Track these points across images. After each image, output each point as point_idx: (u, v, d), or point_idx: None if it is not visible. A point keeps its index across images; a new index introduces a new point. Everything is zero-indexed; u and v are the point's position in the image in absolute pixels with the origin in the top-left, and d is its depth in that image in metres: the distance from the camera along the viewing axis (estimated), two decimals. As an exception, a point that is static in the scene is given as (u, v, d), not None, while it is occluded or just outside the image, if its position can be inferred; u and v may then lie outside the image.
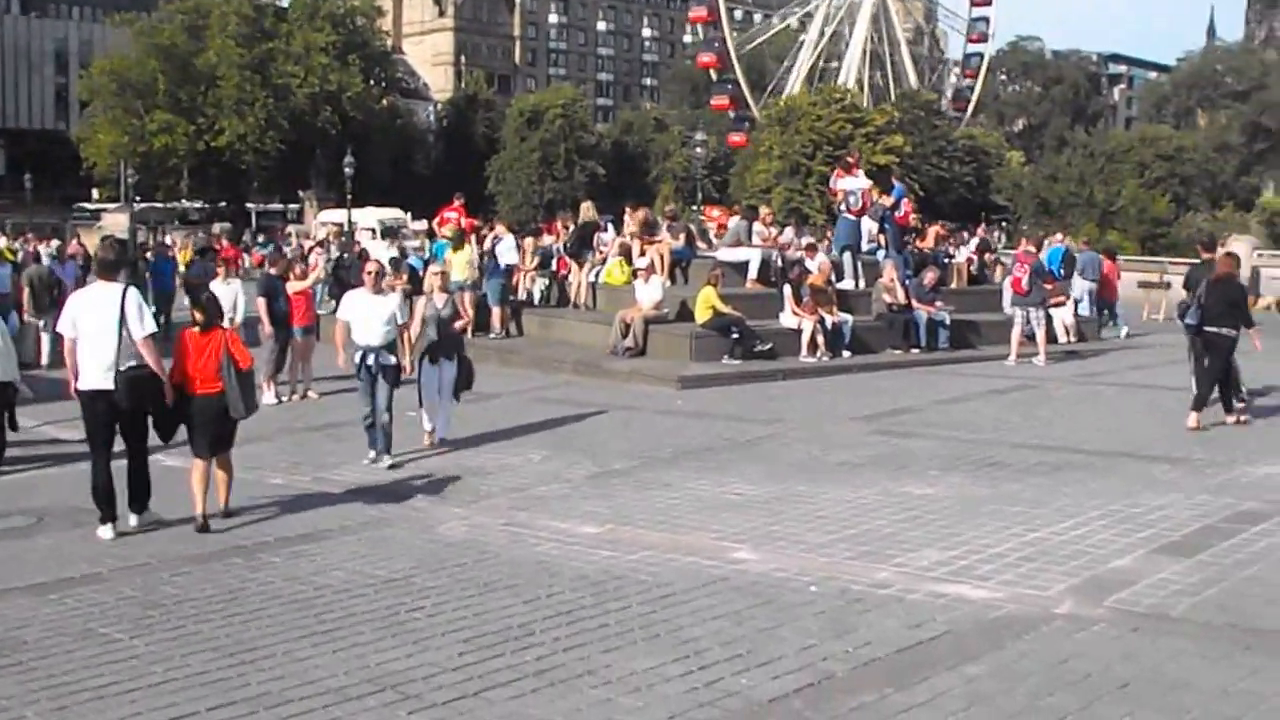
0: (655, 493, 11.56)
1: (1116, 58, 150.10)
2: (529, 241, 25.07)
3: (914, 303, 21.60)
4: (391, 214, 53.68)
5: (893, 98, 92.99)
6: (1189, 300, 15.92)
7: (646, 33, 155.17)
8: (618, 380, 19.21)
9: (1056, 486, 11.40)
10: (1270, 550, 9.10)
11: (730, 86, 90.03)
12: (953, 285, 24.50)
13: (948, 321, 21.79)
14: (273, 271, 18.44)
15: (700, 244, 25.69)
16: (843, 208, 22.89)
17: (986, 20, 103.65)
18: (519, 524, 10.42)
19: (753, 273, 22.08)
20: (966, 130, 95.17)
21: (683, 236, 22.72)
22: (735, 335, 19.67)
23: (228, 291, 16.97)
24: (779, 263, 22.19)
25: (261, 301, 17.77)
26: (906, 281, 22.05)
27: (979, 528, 9.88)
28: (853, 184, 22.90)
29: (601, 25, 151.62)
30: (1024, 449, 13.34)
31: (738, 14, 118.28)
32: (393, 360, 12.96)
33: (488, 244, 23.50)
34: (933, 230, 26.12)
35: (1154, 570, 8.61)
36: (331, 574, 8.99)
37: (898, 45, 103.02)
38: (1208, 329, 14.69)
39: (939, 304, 21.99)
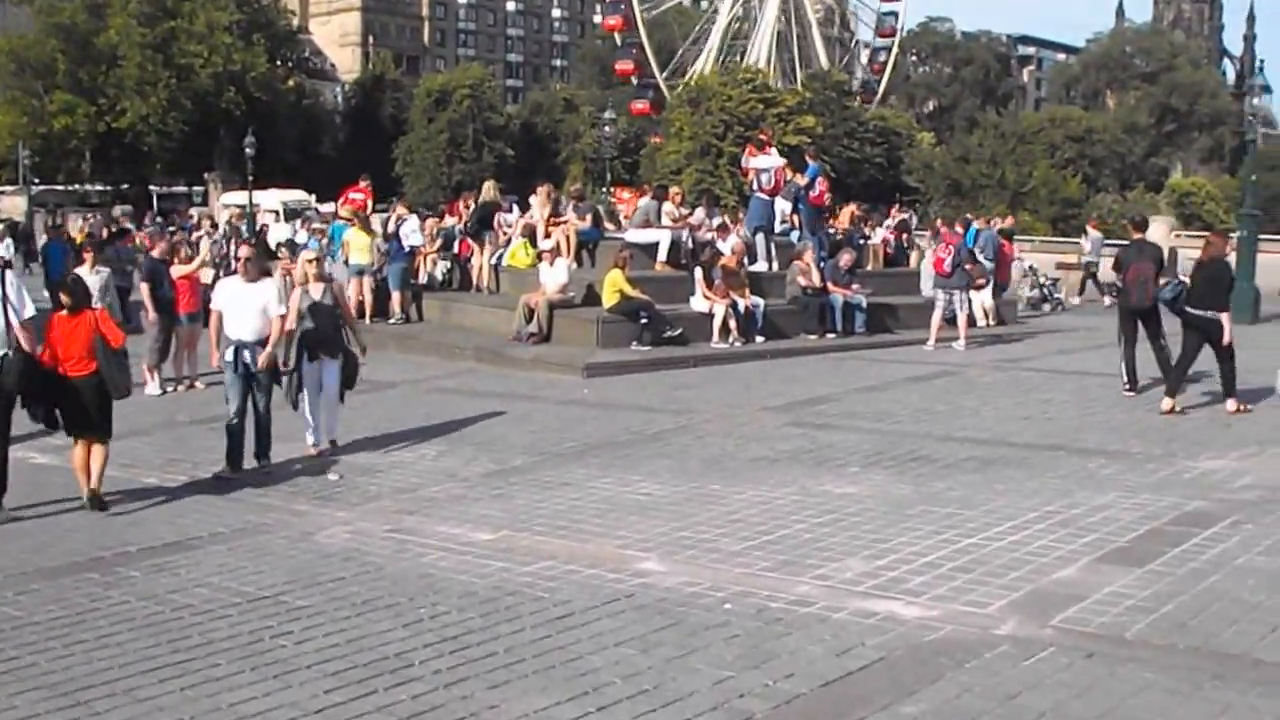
0: (556, 493, 10.65)
1: (1026, 39, 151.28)
2: (430, 223, 24.04)
3: (829, 286, 20.85)
4: (295, 196, 52.19)
5: (804, 78, 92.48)
6: (1118, 281, 15.38)
7: (556, 13, 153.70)
8: (521, 368, 18.29)
9: (988, 484, 10.64)
10: (1224, 558, 8.37)
11: (635, 50, 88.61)
12: (869, 267, 23.81)
13: (864, 305, 21.07)
14: (155, 254, 17.24)
15: (609, 225, 24.81)
16: (755, 187, 22.08)
17: (895, 15, 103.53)
18: (406, 530, 9.47)
19: (662, 255, 21.19)
20: (877, 111, 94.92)
21: (589, 217, 21.77)
22: (644, 320, 18.80)
23: (95, 281, 15.75)
24: (690, 244, 21.32)
25: (144, 287, 16.66)
26: (822, 264, 21.30)
27: (907, 533, 9.08)
28: (766, 162, 22.09)
29: (511, 5, 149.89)
30: (951, 442, 12.58)
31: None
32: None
33: (390, 226, 22.37)
34: (847, 210, 25.42)
35: (1102, 582, 7.85)
36: (194, 591, 8.01)
37: (808, 26, 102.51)
38: (1191, 310, 14.06)
39: (855, 287, 21.26)
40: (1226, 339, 13.93)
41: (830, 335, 20.59)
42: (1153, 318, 15.21)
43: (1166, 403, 14.03)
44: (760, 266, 21.89)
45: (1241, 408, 14.03)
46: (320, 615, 7.43)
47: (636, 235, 21.57)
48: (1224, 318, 13.83)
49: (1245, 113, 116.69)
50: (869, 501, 10.10)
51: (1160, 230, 37.74)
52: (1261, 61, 25.07)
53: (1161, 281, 14.60)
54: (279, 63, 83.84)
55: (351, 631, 7.12)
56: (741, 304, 19.66)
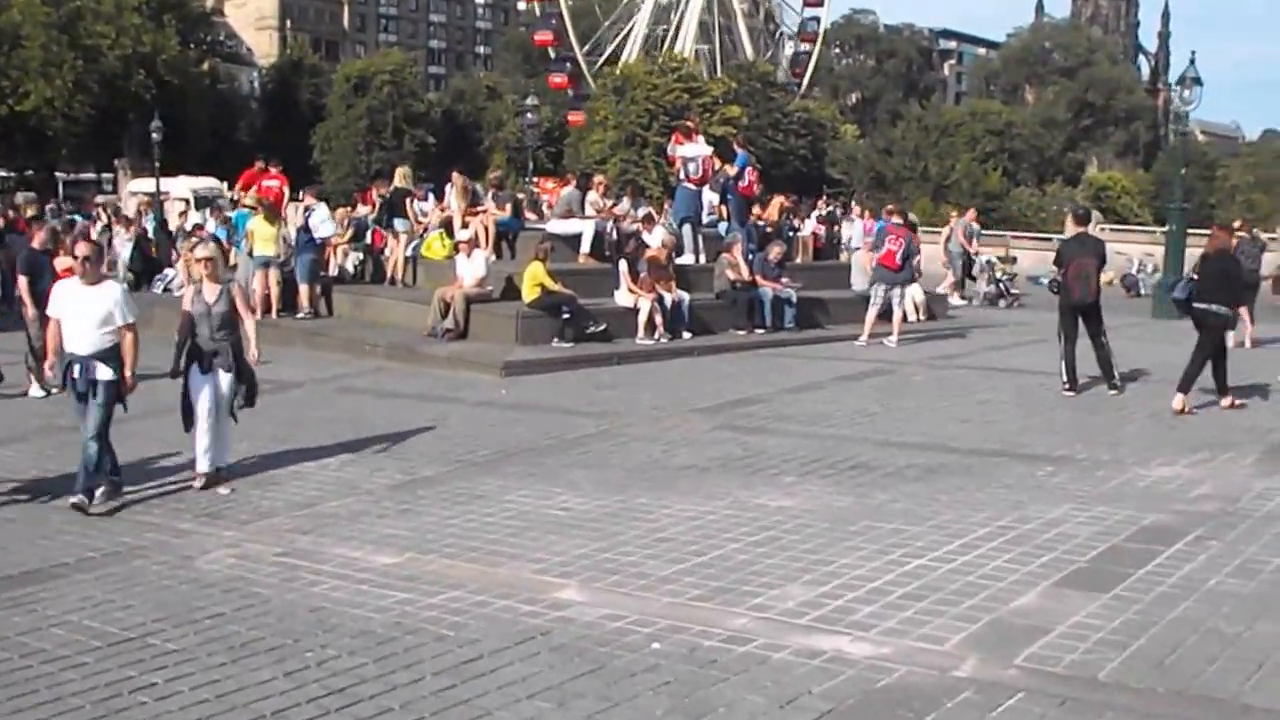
0: (468, 508, 9.75)
1: (947, 33, 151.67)
2: (341, 212, 22.99)
3: (758, 279, 20.09)
4: (206, 183, 50.46)
5: (730, 69, 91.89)
6: (1058, 276, 14.76)
7: (479, 0, 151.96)
8: (435, 366, 17.34)
9: (933, 495, 9.90)
10: (1193, 581, 7.67)
11: (569, 65, 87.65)
12: (798, 260, 23.12)
13: (794, 299, 20.34)
14: (35, 245, 16.05)
15: (531, 215, 23.93)
16: (682, 176, 21.24)
17: (817, 20, 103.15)
18: (299, 553, 8.52)
19: (585, 246, 20.33)
20: (802, 103, 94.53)
21: (509, 207, 20.84)
22: (566, 315, 17.93)
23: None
24: (614, 236, 20.48)
25: (23, 280, 15.42)
26: (751, 256, 20.53)
27: (850, 553, 8.30)
28: (693, 151, 21.26)
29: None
30: (890, 447, 11.84)
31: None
32: (108, 374, 9.79)
33: (299, 216, 21.23)
34: (777, 201, 24.66)
35: (1066, 611, 7.10)
36: (50, 632, 7.02)
37: (734, 17, 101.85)
38: (1198, 305, 13.52)
39: (785, 280, 20.53)
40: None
41: (759, 331, 19.84)
42: (1094, 314, 14.62)
43: (1177, 401, 13.40)
44: (687, 259, 21.07)
45: (1234, 403, 13.74)
46: (191, 662, 6.48)
47: (558, 226, 20.69)
48: (1243, 312, 13.41)
49: (1160, 107, 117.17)
50: (807, 516, 9.31)
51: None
52: (1193, 53, 24.64)
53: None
54: (192, 45, 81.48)
55: (225, 683, 6.18)
56: (668, 298, 18.85)
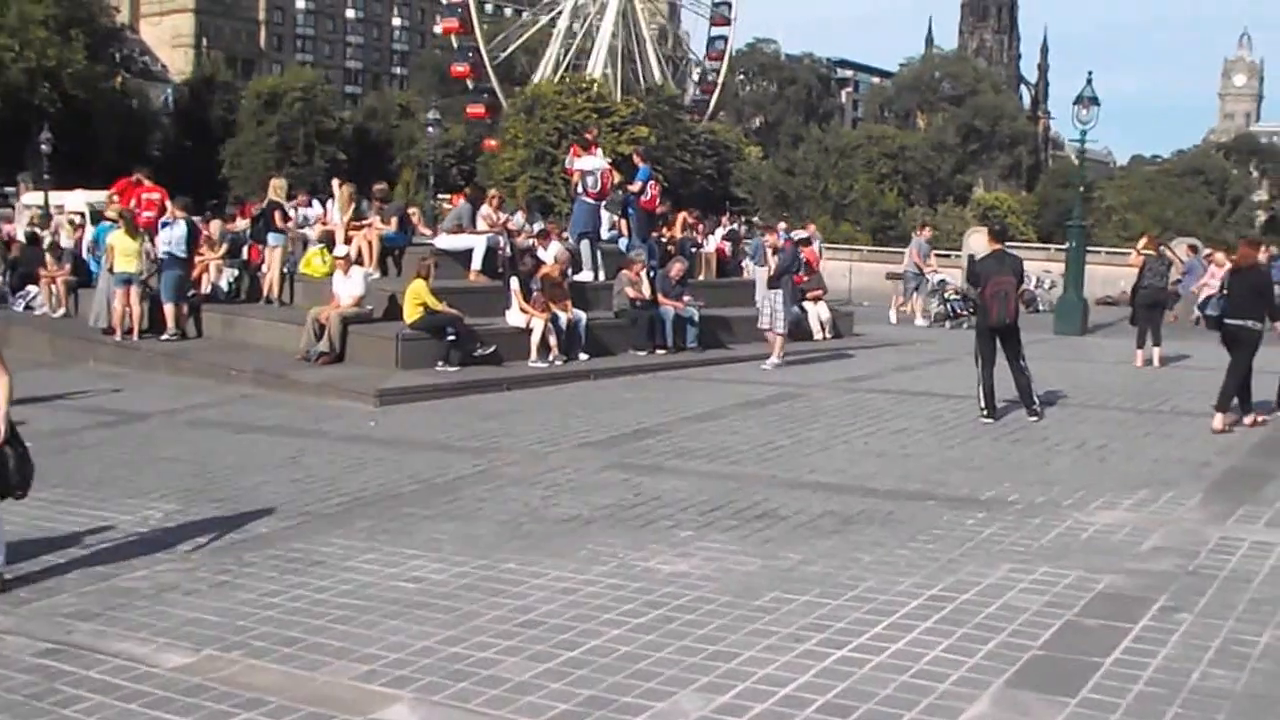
0: (299, 579, 7.71)
1: (844, 63, 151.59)
2: (215, 225, 20.74)
3: (660, 298, 18.22)
4: (102, 197, 47.40)
5: (640, 92, 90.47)
6: (975, 296, 13.09)
7: (396, 22, 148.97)
8: (305, 393, 15.25)
9: (852, 553, 8.05)
10: (1173, 676, 5.88)
11: (486, 96, 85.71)
12: (701, 277, 21.29)
13: (696, 318, 18.49)
14: None
15: (426, 231, 21.86)
16: (580, 190, 19.32)
17: (725, 39, 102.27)
18: (69, 652, 6.41)
19: (476, 263, 18.32)
20: (708, 125, 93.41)
21: (395, 220, 18.76)
22: (451, 337, 15.93)
23: None
24: (507, 252, 18.49)
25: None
26: (653, 274, 18.67)
27: (757, 641, 6.40)
28: (591, 164, 19.35)
29: (350, 12, 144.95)
30: (801, 489, 9.97)
31: (488, 7, 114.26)
32: None
33: (162, 230, 18.94)
34: (680, 217, 22.83)
35: (1030, 731, 5.28)
36: None
37: (644, 42, 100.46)
38: (1230, 322, 12.21)
39: (687, 299, 18.67)
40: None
41: (661, 351, 17.98)
42: (1013, 336, 12.94)
43: (1218, 420, 12.13)
44: (585, 276, 19.17)
45: (1258, 419, 12.51)
46: None
47: (447, 241, 18.68)
48: (1278, 325, 11.91)
49: (1040, 133, 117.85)
50: (706, 586, 7.41)
51: (982, 240, 36.13)
52: (1090, 74, 23.38)
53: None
54: (101, 61, 78.12)
55: None
56: (563, 318, 16.92)
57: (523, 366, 16.41)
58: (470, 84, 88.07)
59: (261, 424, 13.53)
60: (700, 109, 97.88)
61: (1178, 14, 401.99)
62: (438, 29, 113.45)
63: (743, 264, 24.66)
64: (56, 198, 46.13)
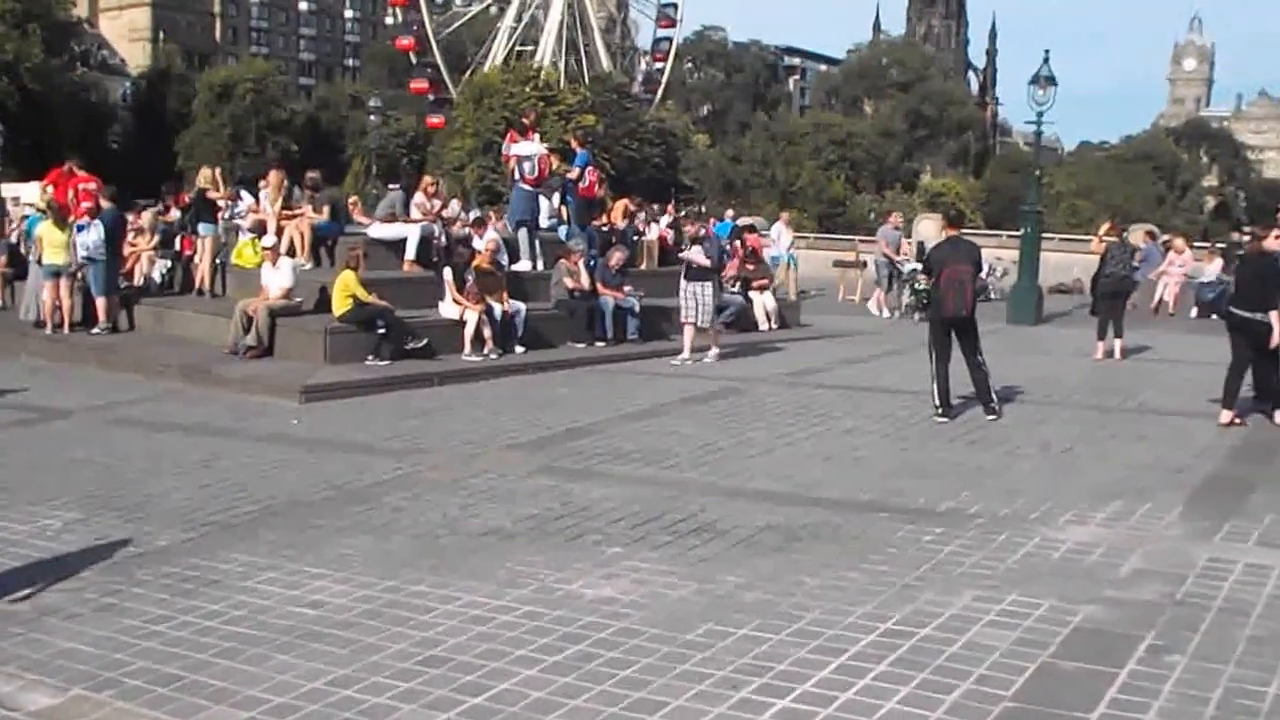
0: (189, 603, 6.70)
1: (791, 50, 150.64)
2: (147, 215, 19.56)
3: (599, 287, 17.21)
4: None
5: (587, 80, 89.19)
6: (928, 286, 12.19)
7: (349, 14, 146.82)
8: (230, 389, 14.14)
9: (796, 577, 7.09)
10: (1174, 735, 4.98)
11: (429, 70, 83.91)
12: (642, 266, 20.29)
13: (637, 309, 17.50)
14: None
15: (363, 220, 20.69)
16: (517, 176, 18.25)
17: (675, 5, 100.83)
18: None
19: (410, 252, 17.25)
20: (656, 114, 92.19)
21: (327, 209, 17.64)
22: (381, 330, 14.86)
23: None
24: (443, 241, 17.45)
25: None
26: (592, 262, 17.66)
27: (685, 687, 5.45)
28: (528, 149, 18.29)
29: (304, 5, 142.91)
30: (741, 499, 9.01)
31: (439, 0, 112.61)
32: None
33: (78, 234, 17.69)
34: (621, 204, 21.80)
35: (1010, 816, 4.34)
36: None
37: (591, 31, 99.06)
38: (1236, 311, 11.37)
39: (627, 289, 17.67)
40: (1276, 341, 11.14)
41: (600, 343, 16.98)
42: (969, 330, 12.02)
43: (1225, 416, 11.45)
44: (523, 266, 18.15)
45: (1235, 420, 11.64)
46: None
47: (380, 231, 17.58)
48: (1274, 316, 10.97)
49: (988, 119, 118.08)
50: (632, 615, 6.44)
51: (932, 227, 35.35)
52: (1046, 52, 22.43)
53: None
54: (58, 54, 76.10)
55: None
56: (498, 309, 15.88)
57: (456, 360, 15.37)
58: (414, 58, 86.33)
59: (182, 422, 12.43)
60: (653, 80, 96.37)
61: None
62: (390, 20, 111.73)
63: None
64: (11, 190, 44.55)
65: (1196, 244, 31.01)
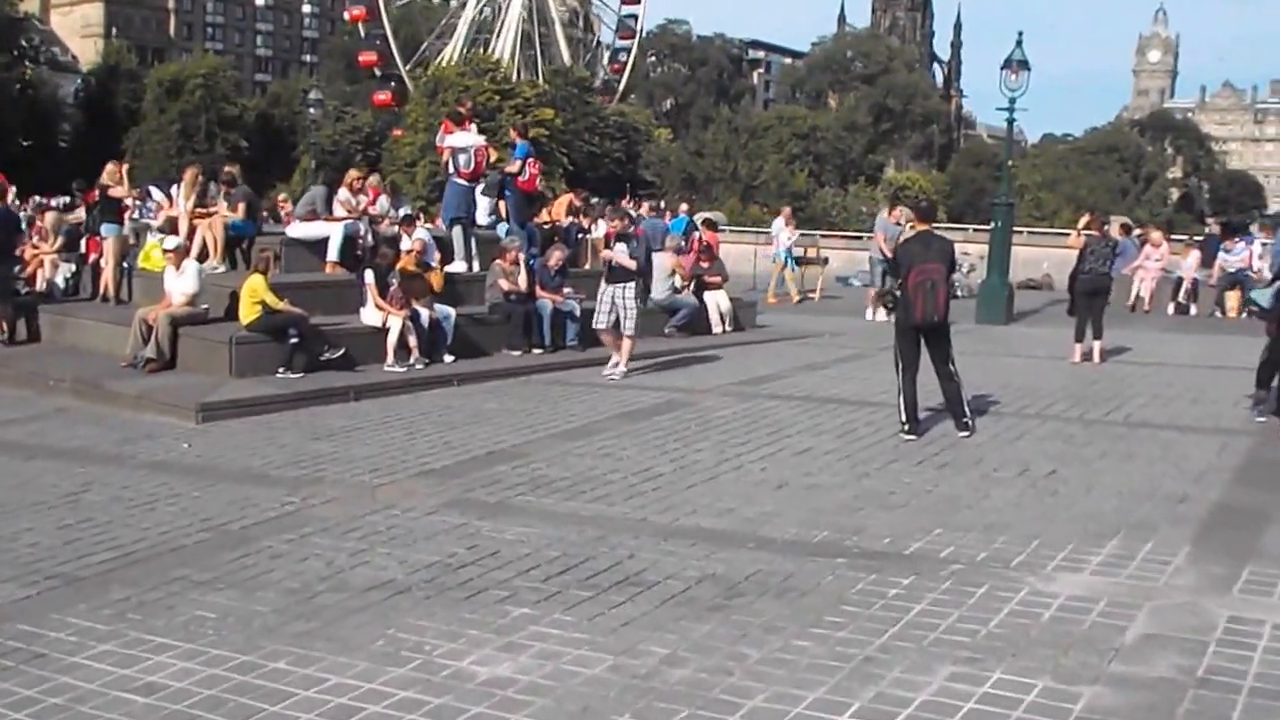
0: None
1: (756, 44, 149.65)
2: (50, 216, 18.12)
3: (537, 290, 15.90)
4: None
5: (547, 74, 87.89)
6: (894, 288, 11.00)
7: (306, 9, 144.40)
8: (123, 407, 12.78)
9: (734, 646, 5.82)
10: None
11: (378, 41, 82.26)
12: (587, 266, 18.98)
13: (578, 313, 16.17)
14: None
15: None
16: (451, 170, 16.89)
17: (635, 18, 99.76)
18: None
19: (332, 253, 15.89)
20: (617, 108, 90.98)
21: (242, 207, 16.25)
22: (293, 340, 13.51)
23: None
24: (369, 240, 16.11)
25: None
26: (532, 262, 16.35)
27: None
28: (464, 140, 16.94)
29: (260, 0, 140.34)
30: (677, 539, 7.74)
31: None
32: None
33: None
34: (565, 199, 20.49)
35: None
36: None
37: (552, 24, 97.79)
38: None
39: (567, 291, 16.34)
40: None
41: (537, 351, 15.68)
42: (941, 337, 10.79)
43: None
44: (458, 267, 16.83)
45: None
46: None
47: (299, 230, 16.22)
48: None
49: (953, 111, 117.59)
50: (530, 705, 5.19)
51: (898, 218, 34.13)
52: (1020, 34, 21.24)
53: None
54: (6, 51, 74.23)
55: None
56: (424, 315, 14.55)
57: (378, 371, 14.03)
58: (378, 71, 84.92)
59: (62, 447, 11.10)
60: (611, 89, 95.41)
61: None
62: (346, 15, 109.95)
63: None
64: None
65: (1172, 236, 29.99)
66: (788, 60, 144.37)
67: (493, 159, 17.86)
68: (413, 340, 14.24)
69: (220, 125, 75.46)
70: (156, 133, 74.84)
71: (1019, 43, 21.54)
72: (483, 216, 18.48)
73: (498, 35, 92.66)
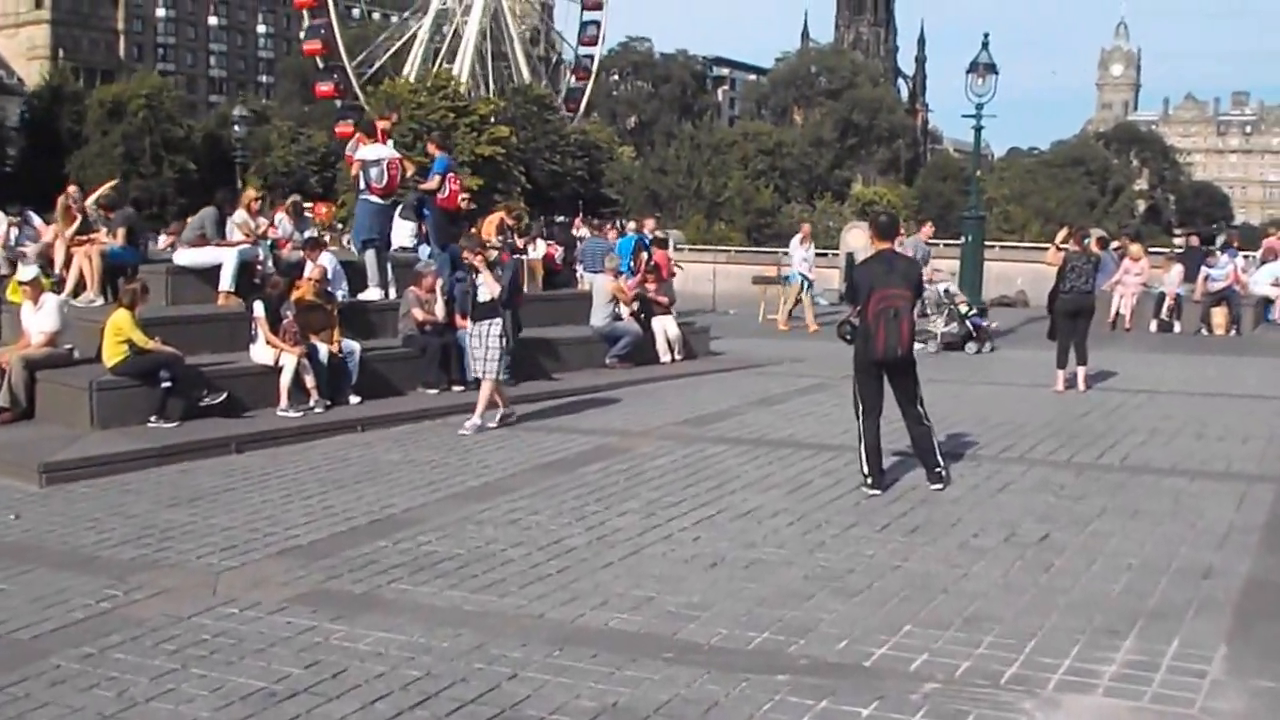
0: None
1: (720, 60, 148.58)
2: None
3: (457, 320, 14.20)
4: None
5: (508, 91, 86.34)
6: (852, 317, 9.41)
7: (261, 29, 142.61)
8: (-39, 466, 10.99)
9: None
10: None
11: (336, 74, 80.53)
12: (523, 290, 17.29)
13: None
14: None
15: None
16: (363, 185, 15.18)
17: (597, 24, 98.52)
18: None
19: (225, 282, 14.12)
20: (579, 126, 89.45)
21: (122, 232, 14.49)
22: (166, 384, 11.75)
23: None
24: (269, 267, 14.41)
25: None
26: (454, 289, 14.66)
27: None
28: (376, 153, 15.23)
29: (213, 20, 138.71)
30: (575, 647, 6.00)
31: (355, 12, 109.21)
32: None
33: None
34: (495, 217, 18.77)
35: None
36: None
37: (512, 42, 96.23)
38: None
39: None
40: None
41: (458, 388, 13.96)
42: (907, 374, 9.18)
43: None
44: (371, 294, 15.12)
45: None
46: None
47: (187, 257, 14.47)
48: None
49: (919, 126, 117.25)
50: None
51: (862, 237, 32.65)
52: (986, 35, 19.68)
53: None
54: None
55: None
56: (323, 351, 12.84)
57: (270, 417, 12.31)
58: (320, 62, 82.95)
59: None
60: (575, 98, 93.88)
61: (1054, 5, 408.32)
62: (303, 50, 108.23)
63: (577, 272, 20.79)
64: None
65: (1151, 250, 28.55)
66: (752, 77, 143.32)
67: (409, 173, 16.15)
68: (310, 380, 12.52)
69: (166, 147, 73.29)
70: (99, 156, 72.58)
71: (985, 45, 20.01)
72: (405, 239, 16.81)
73: (456, 54, 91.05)
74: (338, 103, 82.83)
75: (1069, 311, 14.15)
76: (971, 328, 18.72)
